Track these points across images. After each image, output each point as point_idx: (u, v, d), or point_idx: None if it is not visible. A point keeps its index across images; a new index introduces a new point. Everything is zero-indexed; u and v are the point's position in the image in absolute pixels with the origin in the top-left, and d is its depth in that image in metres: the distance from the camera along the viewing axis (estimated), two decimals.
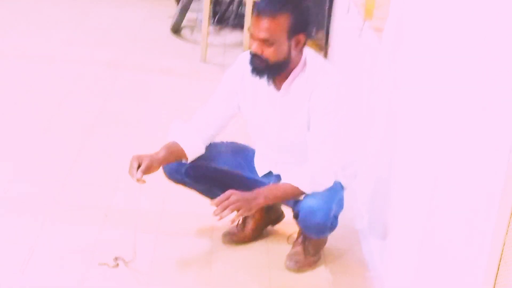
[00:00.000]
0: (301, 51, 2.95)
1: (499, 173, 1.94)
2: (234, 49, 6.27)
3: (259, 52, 2.87)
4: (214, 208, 2.84)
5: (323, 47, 5.70)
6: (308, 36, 2.95)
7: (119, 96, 5.00)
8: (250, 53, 2.93)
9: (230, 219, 2.85)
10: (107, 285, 2.90)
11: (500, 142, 1.96)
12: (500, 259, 1.93)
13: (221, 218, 2.82)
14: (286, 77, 2.96)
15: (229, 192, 2.86)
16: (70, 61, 5.62)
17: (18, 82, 5.10)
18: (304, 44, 2.94)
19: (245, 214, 2.90)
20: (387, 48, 3.45)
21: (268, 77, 2.95)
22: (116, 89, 5.14)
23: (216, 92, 3.15)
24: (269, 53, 2.87)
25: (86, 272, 2.96)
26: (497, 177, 1.95)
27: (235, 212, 2.84)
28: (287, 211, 3.26)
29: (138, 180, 2.86)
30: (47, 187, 3.62)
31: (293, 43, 2.90)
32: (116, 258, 3.01)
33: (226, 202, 2.82)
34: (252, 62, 2.92)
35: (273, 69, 2.91)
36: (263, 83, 3.01)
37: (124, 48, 6.15)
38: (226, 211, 2.81)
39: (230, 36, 6.79)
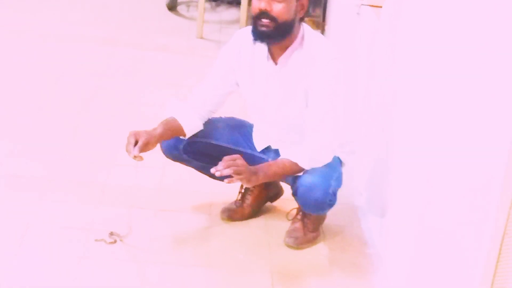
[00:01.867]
0: (300, 23, 2.92)
1: (499, 152, 1.93)
2: (231, 26, 6.24)
3: (268, 8, 2.81)
4: (217, 177, 2.83)
5: (320, 24, 5.66)
6: (308, 8, 2.92)
7: (115, 73, 4.97)
8: (255, 15, 2.85)
9: (226, 180, 2.81)
10: (104, 261, 2.89)
11: (502, 123, 1.94)
12: (504, 233, 1.93)
13: (217, 172, 2.78)
14: (284, 51, 2.94)
15: (236, 156, 2.83)
16: (65, 38, 5.58)
17: (13, 59, 5.07)
18: (307, 12, 2.92)
19: (242, 183, 2.86)
20: (386, 25, 3.42)
21: (273, 41, 2.88)
22: (112, 66, 5.11)
23: (212, 69, 3.12)
24: (278, 9, 2.81)
25: (83, 248, 2.95)
26: (498, 156, 1.94)
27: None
28: (286, 187, 3.25)
29: (135, 157, 2.83)
30: (43, 164, 3.61)
31: (299, 5, 2.87)
32: (111, 234, 3.00)
33: (230, 162, 2.80)
34: (256, 25, 2.85)
35: (279, 31, 2.84)
36: (260, 58, 2.98)
37: (120, 25, 6.11)
38: (227, 170, 2.77)
39: (226, 13, 6.75)
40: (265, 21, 2.83)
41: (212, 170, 2.79)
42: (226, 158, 2.82)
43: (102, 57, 5.26)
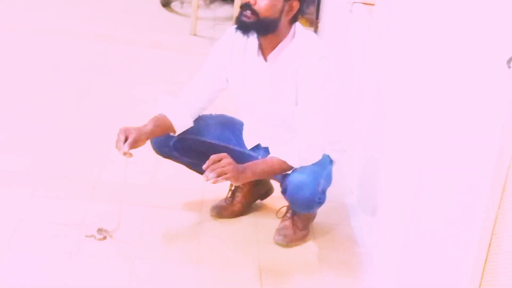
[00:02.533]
0: (290, 23, 2.93)
1: (489, 149, 1.93)
2: (224, 23, 6.24)
3: (252, 1, 2.84)
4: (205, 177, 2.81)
5: (314, 22, 5.66)
6: (301, 10, 2.92)
7: (109, 70, 4.96)
8: (240, 6, 2.89)
9: (211, 181, 2.78)
10: (95, 257, 2.89)
11: (491, 119, 1.95)
12: (491, 235, 1.93)
13: (207, 180, 2.78)
14: (274, 48, 2.94)
15: (223, 154, 2.83)
16: (59, 34, 5.57)
17: (7, 54, 5.06)
18: (296, 15, 2.92)
19: (231, 181, 2.85)
20: (378, 22, 3.43)
21: (252, 33, 2.89)
22: (105, 62, 5.10)
23: (204, 65, 3.12)
24: (261, 5, 2.83)
25: (74, 244, 2.95)
26: (487, 156, 1.94)
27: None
28: (276, 185, 3.25)
29: (125, 153, 2.83)
30: (35, 160, 3.60)
31: (286, 7, 2.87)
32: (100, 230, 3.00)
33: (215, 165, 2.79)
34: (240, 16, 2.88)
35: (260, 26, 2.86)
36: (251, 55, 2.99)
37: (114, 21, 6.10)
38: (212, 173, 2.77)
39: (220, 9, 6.75)
40: (247, 12, 2.86)
41: (204, 179, 2.78)
42: (212, 158, 2.81)
43: (96, 53, 5.25)
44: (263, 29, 2.88)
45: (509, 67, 1.75)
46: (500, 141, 1.87)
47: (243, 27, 2.89)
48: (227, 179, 2.80)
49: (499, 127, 1.87)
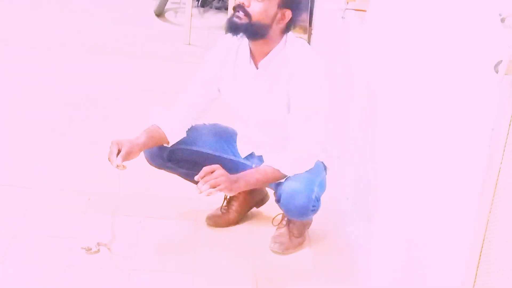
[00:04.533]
0: (283, 32, 2.93)
1: (481, 153, 1.94)
2: (218, 32, 6.23)
3: (246, 3, 2.84)
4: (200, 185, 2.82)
5: (307, 29, 5.67)
6: (293, 20, 2.92)
7: (103, 80, 4.96)
8: (234, 7, 2.90)
9: (205, 193, 2.79)
10: (90, 269, 2.89)
11: (483, 122, 1.95)
12: (483, 240, 1.93)
13: (200, 192, 2.79)
14: (265, 55, 2.94)
15: (215, 166, 2.83)
16: (53, 46, 5.56)
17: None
18: (289, 25, 2.93)
19: (224, 192, 2.86)
20: (370, 29, 3.43)
21: (242, 34, 2.90)
22: (99, 73, 5.10)
23: (196, 75, 3.12)
24: (255, 8, 2.84)
25: (69, 257, 2.94)
26: (480, 158, 1.95)
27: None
28: (272, 192, 3.25)
29: (118, 166, 2.84)
30: (29, 172, 3.59)
31: (279, 15, 2.88)
32: (98, 244, 2.99)
33: (207, 177, 2.80)
34: (232, 16, 2.89)
35: (251, 29, 2.86)
36: (242, 63, 2.99)
37: (108, 31, 6.10)
38: (206, 186, 2.78)
39: (214, 18, 6.76)
40: (239, 13, 2.86)
41: (197, 192, 2.79)
42: (205, 169, 2.81)
43: (90, 65, 5.25)
44: (253, 32, 2.89)
45: (497, 72, 1.75)
46: (490, 145, 1.87)
47: (234, 27, 2.89)
48: (220, 190, 2.80)
49: (488, 131, 1.88)
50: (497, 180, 1.84)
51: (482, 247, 1.97)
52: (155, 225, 3.24)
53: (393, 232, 2.79)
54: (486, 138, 1.89)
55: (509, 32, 1.74)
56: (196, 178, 2.80)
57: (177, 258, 3.03)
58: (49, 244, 3.02)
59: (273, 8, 2.86)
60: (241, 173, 2.91)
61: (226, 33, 2.97)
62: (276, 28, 2.90)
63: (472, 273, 2.00)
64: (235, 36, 2.92)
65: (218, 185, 2.78)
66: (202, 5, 7.01)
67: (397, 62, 2.90)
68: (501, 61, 1.75)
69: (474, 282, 1.99)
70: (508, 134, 1.80)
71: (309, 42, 5.46)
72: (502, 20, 1.76)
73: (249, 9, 2.85)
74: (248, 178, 2.89)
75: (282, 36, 2.94)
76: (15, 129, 4.09)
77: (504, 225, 1.83)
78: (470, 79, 2.08)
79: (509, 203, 1.81)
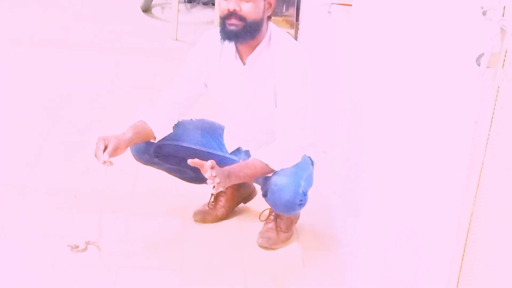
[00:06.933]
0: (267, 20, 2.93)
1: (465, 146, 1.94)
2: (206, 27, 6.23)
3: (237, 8, 2.83)
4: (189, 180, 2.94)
5: (294, 24, 5.67)
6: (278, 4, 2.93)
7: (90, 77, 4.95)
8: (224, 16, 2.86)
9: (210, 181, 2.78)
10: (78, 267, 2.88)
11: (466, 115, 1.96)
12: (468, 232, 1.94)
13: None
14: (252, 51, 2.94)
15: (211, 161, 2.79)
16: (38, 43, 5.56)
17: None
18: (273, 10, 2.94)
19: (220, 188, 2.84)
20: (356, 23, 3.44)
21: (242, 40, 2.88)
22: (86, 69, 5.09)
23: (182, 71, 3.12)
24: (247, 9, 2.83)
25: (56, 255, 2.94)
26: (464, 150, 1.95)
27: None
28: (259, 188, 3.25)
29: (104, 162, 2.82)
30: (15, 171, 3.58)
31: (266, 5, 2.88)
32: (87, 242, 2.98)
33: (207, 173, 2.75)
34: (225, 24, 2.86)
35: (248, 30, 2.85)
36: (228, 59, 2.98)
37: (94, 27, 6.09)
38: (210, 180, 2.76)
39: (201, 14, 6.76)
40: (234, 20, 2.84)
41: (209, 182, 2.77)
42: (207, 164, 2.77)
43: (77, 61, 5.24)
44: (252, 32, 2.87)
45: (479, 65, 1.76)
46: (473, 137, 1.88)
47: (233, 36, 2.86)
48: (218, 185, 2.79)
49: (472, 124, 1.88)
50: (481, 172, 1.84)
51: (466, 239, 1.98)
52: (142, 221, 3.23)
53: (380, 226, 2.79)
54: (470, 131, 1.90)
55: (490, 25, 1.74)
56: (189, 162, 2.79)
57: (165, 255, 3.03)
58: (36, 242, 3.01)
59: (260, 1, 2.86)
60: (231, 167, 2.89)
61: (222, 43, 2.93)
62: (264, 17, 2.90)
63: (457, 266, 2.00)
64: (233, 44, 2.91)
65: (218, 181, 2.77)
66: (189, 1, 7.01)
67: (382, 56, 2.91)
68: (483, 54, 1.75)
69: (459, 275, 2.00)
70: (491, 126, 1.80)
71: (296, 37, 5.47)
72: (484, 13, 1.76)
73: (241, 13, 2.84)
74: (238, 172, 2.88)
75: (267, 27, 2.94)
76: (1, 125, 4.08)
77: (487, 217, 1.84)
78: (453, 72, 2.08)
79: (493, 194, 1.81)
